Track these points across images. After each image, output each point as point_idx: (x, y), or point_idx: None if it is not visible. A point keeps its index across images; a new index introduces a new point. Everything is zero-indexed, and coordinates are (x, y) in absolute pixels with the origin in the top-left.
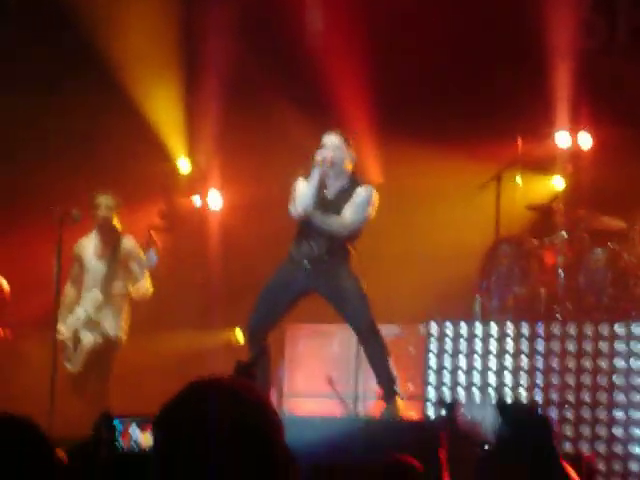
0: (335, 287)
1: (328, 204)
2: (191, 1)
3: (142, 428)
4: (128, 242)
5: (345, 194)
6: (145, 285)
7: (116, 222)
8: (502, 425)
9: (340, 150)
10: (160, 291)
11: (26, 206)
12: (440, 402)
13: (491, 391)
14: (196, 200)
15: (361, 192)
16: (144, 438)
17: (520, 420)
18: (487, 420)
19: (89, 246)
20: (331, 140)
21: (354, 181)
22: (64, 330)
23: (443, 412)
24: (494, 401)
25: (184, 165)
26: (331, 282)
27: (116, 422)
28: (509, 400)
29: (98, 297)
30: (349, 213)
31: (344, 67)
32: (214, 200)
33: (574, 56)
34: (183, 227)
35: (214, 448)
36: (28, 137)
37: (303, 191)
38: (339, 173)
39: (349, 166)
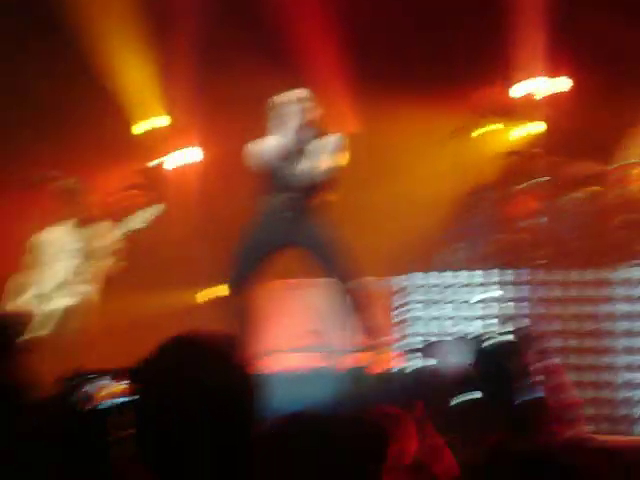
0: (314, 239)
1: (298, 156)
2: None
3: (115, 382)
4: (103, 225)
5: (315, 145)
6: (117, 261)
7: (84, 206)
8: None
9: (306, 103)
10: (142, 249)
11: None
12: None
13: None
14: (173, 157)
15: (330, 140)
16: (116, 391)
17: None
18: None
19: (60, 229)
20: (296, 94)
21: (322, 131)
22: (23, 303)
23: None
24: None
25: (160, 123)
26: (309, 234)
27: (87, 377)
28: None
29: (72, 267)
30: (320, 161)
31: (313, 19)
32: (191, 156)
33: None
34: (163, 185)
35: (188, 400)
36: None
37: (271, 143)
38: (307, 125)
39: (316, 118)
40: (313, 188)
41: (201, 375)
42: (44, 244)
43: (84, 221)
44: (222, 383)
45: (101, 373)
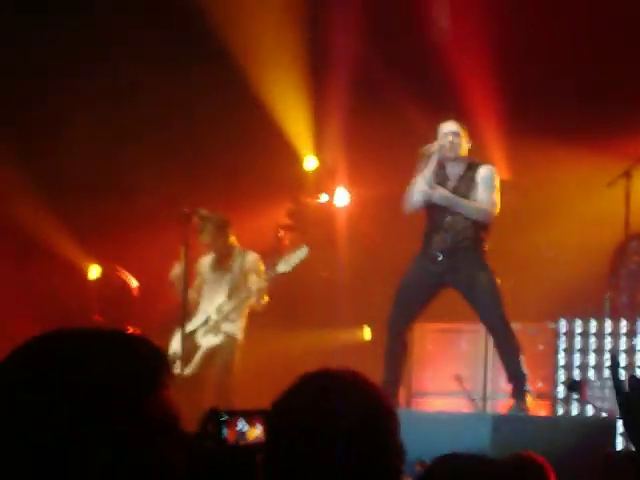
0: (469, 280)
1: (451, 191)
2: None
3: (250, 422)
4: (249, 257)
5: (466, 179)
6: (263, 297)
7: (227, 240)
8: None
9: (457, 136)
10: (287, 289)
11: (155, 205)
12: (567, 383)
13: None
14: (323, 198)
15: (484, 171)
16: (252, 432)
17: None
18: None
19: (207, 261)
20: (447, 127)
21: (473, 164)
22: (174, 346)
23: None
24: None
25: (311, 163)
26: (465, 274)
27: (224, 416)
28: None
29: (218, 303)
30: (479, 194)
31: (469, 64)
32: (341, 197)
33: None
34: (311, 225)
35: (325, 437)
36: (151, 132)
37: (419, 181)
38: (457, 158)
39: (466, 151)
40: (469, 228)
41: (340, 411)
42: (196, 278)
43: (230, 258)
44: (363, 420)
45: (245, 412)
